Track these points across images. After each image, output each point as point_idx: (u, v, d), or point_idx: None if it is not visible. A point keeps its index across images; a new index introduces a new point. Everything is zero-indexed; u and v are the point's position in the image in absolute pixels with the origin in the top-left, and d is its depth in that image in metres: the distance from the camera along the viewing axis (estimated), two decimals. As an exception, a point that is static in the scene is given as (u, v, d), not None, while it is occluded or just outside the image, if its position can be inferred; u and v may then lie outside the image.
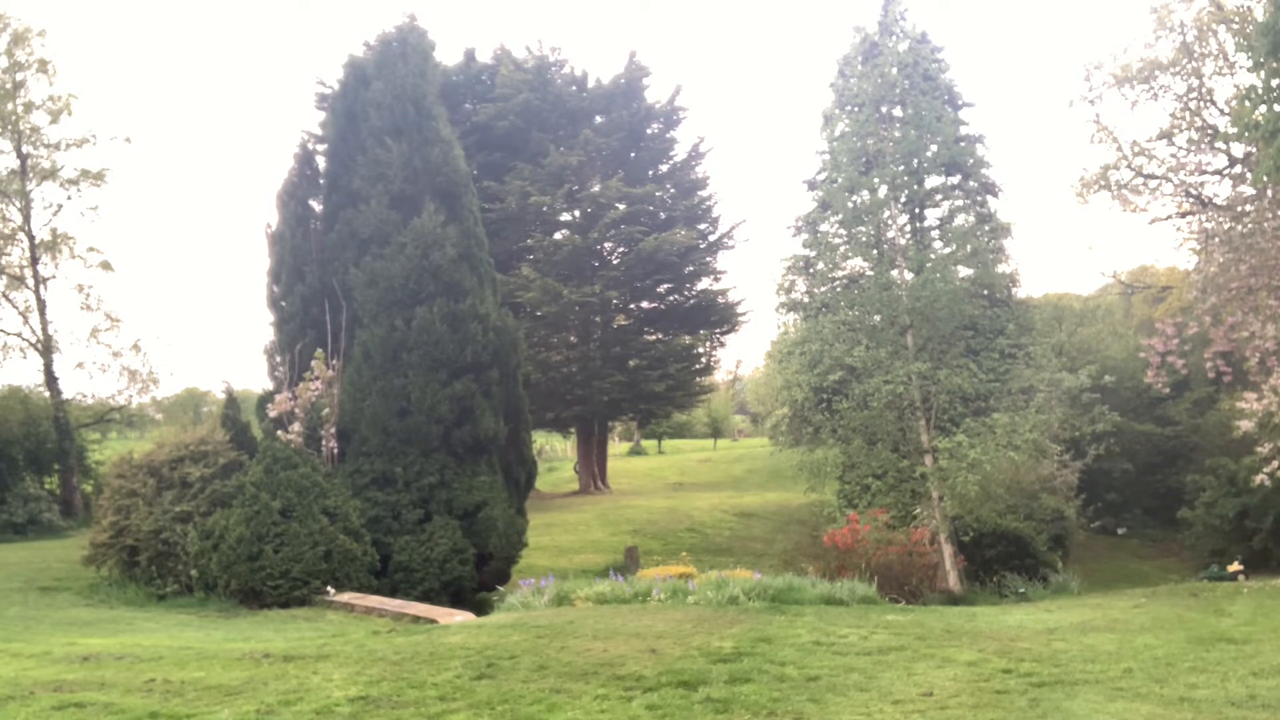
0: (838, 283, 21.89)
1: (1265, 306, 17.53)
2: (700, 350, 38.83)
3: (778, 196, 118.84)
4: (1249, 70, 14.88)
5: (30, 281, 31.48)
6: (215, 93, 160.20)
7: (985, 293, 21.02)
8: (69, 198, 31.92)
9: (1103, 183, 24.30)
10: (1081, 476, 26.40)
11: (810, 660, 7.66)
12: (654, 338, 38.17)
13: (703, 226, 37.95)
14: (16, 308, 31.54)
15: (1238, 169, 22.17)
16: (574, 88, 37.24)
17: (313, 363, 18.66)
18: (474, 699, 6.40)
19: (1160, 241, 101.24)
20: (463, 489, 18.41)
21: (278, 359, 19.69)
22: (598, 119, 37.15)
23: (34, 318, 31.47)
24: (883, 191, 19.71)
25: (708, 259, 37.83)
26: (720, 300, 38.18)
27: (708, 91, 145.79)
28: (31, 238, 31.36)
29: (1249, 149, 20.24)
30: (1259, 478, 17.48)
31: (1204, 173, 23.36)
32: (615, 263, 36.30)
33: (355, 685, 6.86)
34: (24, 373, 68.92)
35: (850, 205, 19.55)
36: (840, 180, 19.56)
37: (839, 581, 13.52)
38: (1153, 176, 23.90)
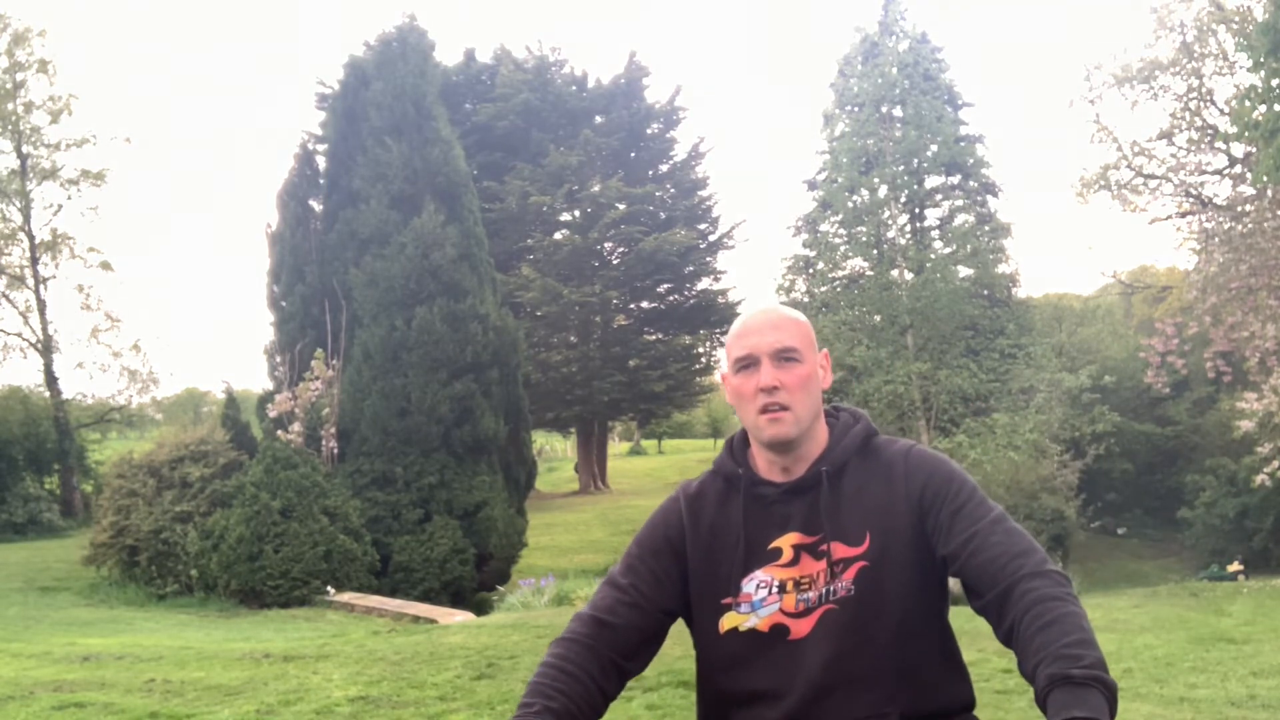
0: (838, 283, 21.91)
1: (1265, 306, 17.53)
2: (700, 350, 38.82)
3: (778, 196, 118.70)
4: (1249, 70, 14.89)
5: (30, 281, 31.42)
6: (215, 93, 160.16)
7: (985, 293, 21.05)
8: (69, 198, 31.83)
9: (1103, 183, 24.23)
10: (1081, 476, 26.36)
11: (810, 660, 7.65)
12: (654, 338, 38.16)
13: (703, 226, 37.94)
14: (16, 308, 31.48)
15: (1238, 169, 22.15)
16: (574, 88, 37.23)
17: (313, 363, 18.65)
18: (474, 699, 6.40)
19: (1160, 241, 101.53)
20: (463, 489, 18.42)
21: (278, 359, 19.70)
22: (598, 119, 37.13)
23: (34, 318, 31.41)
24: (883, 191, 19.75)
25: (708, 259, 37.83)
26: (720, 300, 38.15)
27: (708, 91, 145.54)
28: (31, 238, 31.31)
29: (1249, 149, 20.21)
30: (1259, 478, 17.47)
31: (1204, 173, 23.31)
32: (615, 263, 36.30)
33: (355, 685, 6.86)
34: (24, 373, 68.67)
35: (850, 205, 19.59)
36: (840, 180, 19.59)
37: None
38: (1153, 176, 23.84)
